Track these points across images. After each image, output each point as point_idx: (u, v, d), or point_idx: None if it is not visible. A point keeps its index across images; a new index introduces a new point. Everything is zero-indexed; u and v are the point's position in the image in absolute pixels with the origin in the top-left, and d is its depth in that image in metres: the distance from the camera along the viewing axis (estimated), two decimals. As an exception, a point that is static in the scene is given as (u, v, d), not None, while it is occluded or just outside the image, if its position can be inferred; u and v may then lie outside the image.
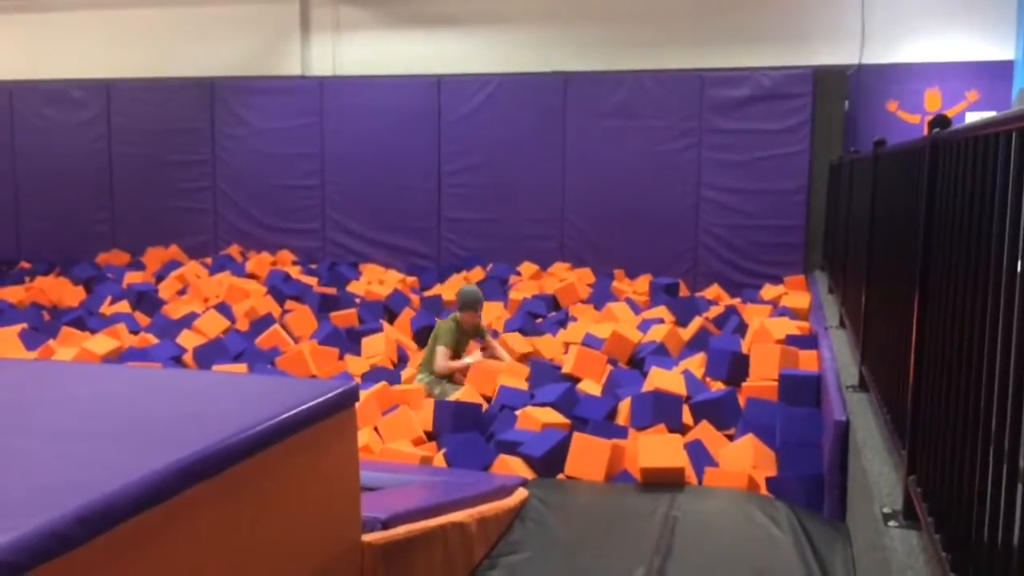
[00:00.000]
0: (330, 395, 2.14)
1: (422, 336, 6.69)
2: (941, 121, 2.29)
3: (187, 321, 7.07)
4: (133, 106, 10.67)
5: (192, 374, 2.85)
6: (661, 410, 4.73)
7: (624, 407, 4.94)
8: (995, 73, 8.41)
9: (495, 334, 6.50)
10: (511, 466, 4.22)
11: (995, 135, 1.66)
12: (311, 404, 2.05)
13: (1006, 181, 1.61)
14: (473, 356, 5.87)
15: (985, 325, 1.76)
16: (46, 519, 1.35)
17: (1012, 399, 1.55)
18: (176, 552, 1.62)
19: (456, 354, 5.85)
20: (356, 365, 5.98)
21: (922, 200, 2.52)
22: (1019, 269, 1.56)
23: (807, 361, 5.34)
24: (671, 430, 4.57)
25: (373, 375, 5.80)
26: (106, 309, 7.84)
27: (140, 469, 1.55)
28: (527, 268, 9.13)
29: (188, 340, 6.52)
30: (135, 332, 6.91)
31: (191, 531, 1.66)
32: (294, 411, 1.99)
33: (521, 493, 3.78)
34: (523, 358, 6.16)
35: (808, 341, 5.76)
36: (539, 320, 7.39)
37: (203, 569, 1.71)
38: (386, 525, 2.54)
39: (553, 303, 7.96)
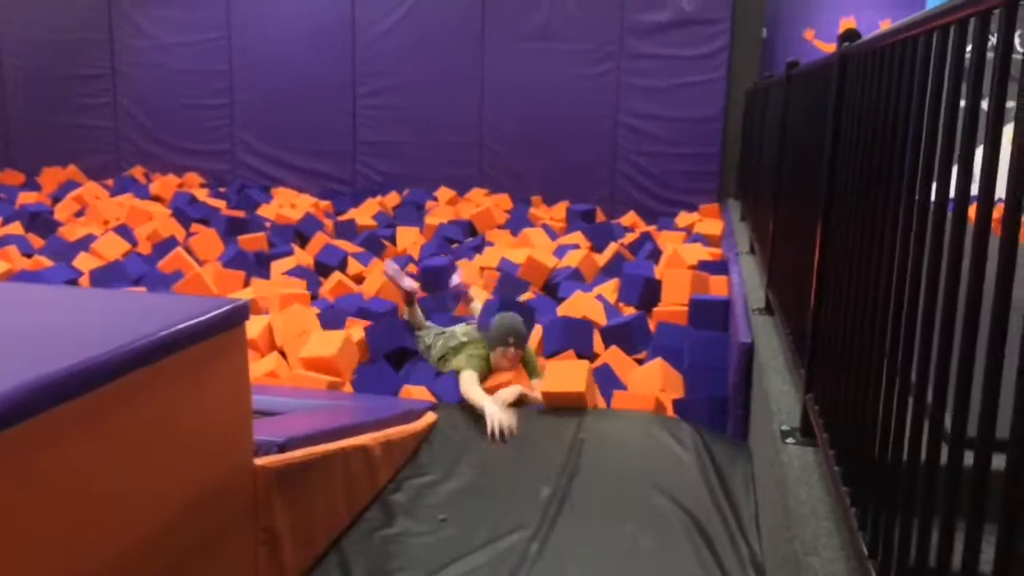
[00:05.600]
0: (215, 312, 2.02)
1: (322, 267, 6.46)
2: (850, 35, 2.24)
3: (84, 244, 6.74)
4: (23, 14, 9.97)
5: (70, 290, 2.68)
6: (572, 336, 4.73)
7: (536, 333, 4.92)
8: (908, 2, 8.48)
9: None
10: (416, 395, 4.16)
11: (902, 42, 1.62)
12: (194, 321, 1.93)
13: (910, 89, 1.57)
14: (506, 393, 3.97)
15: (882, 242, 1.74)
16: None
17: (906, 317, 1.54)
18: (39, 476, 1.50)
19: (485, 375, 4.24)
20: (264, 288, 5.80)
21: (829, 120, 2.49)
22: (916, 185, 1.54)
23: (717, 286, 5.40)
24: (581, 355, 4.57)
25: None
26: (-4, 231, 7.43)
27: (-8, 388, 1.43)
28: (444, 193, 8.99)
29: (85, 263, 6.22)
30: (28, 255, 6.56)
31: (56, 454, 1.54)
32: (174, 328, 1.86)
33: (429, 417, 3.74)
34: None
35: (719, 267, 5.83)
36: (455, 245, 7.30)
37: (73, 492, 1.60)
38: (282, 448, 2.46)
39: (470, 228, 7.87)
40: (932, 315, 1.42)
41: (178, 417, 1.93)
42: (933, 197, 1.45)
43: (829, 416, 2.20)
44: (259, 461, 2.31)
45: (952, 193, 1.34)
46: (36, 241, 7.07)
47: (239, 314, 2.13)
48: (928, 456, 1.38)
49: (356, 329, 4.89)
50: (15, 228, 7.39)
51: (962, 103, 1.36)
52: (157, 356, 1.81)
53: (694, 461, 3.34)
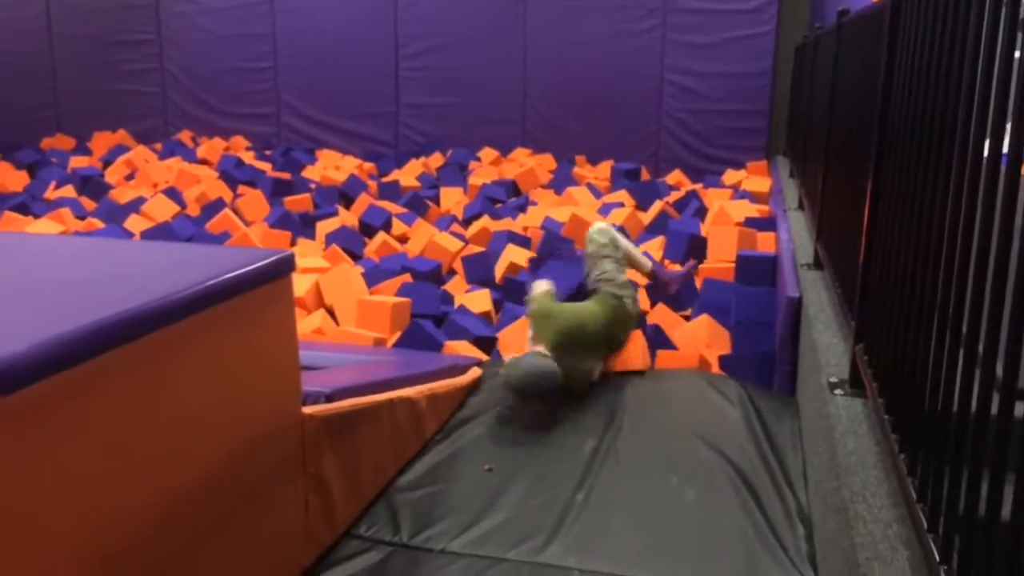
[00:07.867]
0: (263, 263, 2.04)
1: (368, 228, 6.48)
2: (905, -25, 2.16)
3: (135, 206, 6.86)
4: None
5: (119, 243, 2.73)
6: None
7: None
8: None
9: None
10: (459, 351, 4.18)
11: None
12: (242, 270, 1.96)
13: (964, 35, 1.52)
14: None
15: (934, 194, 1.70)
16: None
17: (958, 269, 1.51)
18: (89, 421, 1.54)
19: None
20: (310, 248, 5.86)
21: (881, 69, 2.42)
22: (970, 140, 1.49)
23: (765, 243, 5.32)
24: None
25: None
26: (50, 194, 7.58)
27: (47, 331, 1.46)
28: (487, 154, 8.96)
29: (135, 225, 6.34)
30: (81, 217, 6.70)
31: (107, 400, 1.58)
32: (223, 277, 1.89)
33: (474, 372, 3.77)
34: (454, 256, 5.63)
35: (767, 223, 5.74)
36: (498, 205, 7.28)
37: (123, 439, 1.64)
38: (330, 399, 2.50)
39: (513, 188, 7.84)
40: (984, 266, 1.39)
41: (227, 365, 1.96)
42: (987, 150, 1.40)
43: (879, 366, 2.17)
44: (307, 410, 2.35)
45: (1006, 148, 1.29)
46: (88, 204, 7.21)
47: (286, 265, 2.15)
48: (979, 406, 1.35)
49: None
50: (68, 191, 7.55)
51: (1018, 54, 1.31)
52: (206, 304, 1.84)
53: (740, 416, 3.32)
